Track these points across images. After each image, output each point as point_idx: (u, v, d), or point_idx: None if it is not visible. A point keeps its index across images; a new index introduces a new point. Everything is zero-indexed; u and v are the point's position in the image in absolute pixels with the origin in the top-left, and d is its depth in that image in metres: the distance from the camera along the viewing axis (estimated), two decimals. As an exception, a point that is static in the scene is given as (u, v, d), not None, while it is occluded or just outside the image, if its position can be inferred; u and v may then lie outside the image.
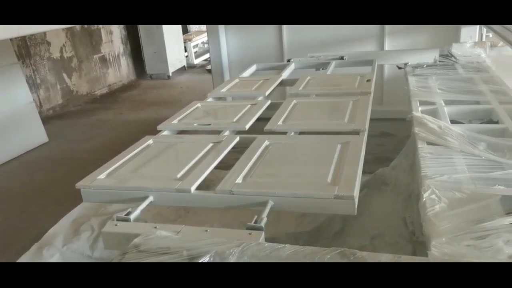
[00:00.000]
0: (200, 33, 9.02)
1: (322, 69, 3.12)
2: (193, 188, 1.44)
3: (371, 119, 2.00)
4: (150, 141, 1.94)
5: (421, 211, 1.42)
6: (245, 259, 1.09)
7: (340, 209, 1.30)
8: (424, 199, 1.44)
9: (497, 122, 2.06)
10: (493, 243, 1.11)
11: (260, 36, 4.59)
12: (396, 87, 3.93)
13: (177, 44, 8.18)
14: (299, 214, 2.60)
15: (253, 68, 3.26)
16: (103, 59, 7.31)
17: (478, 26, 3.92)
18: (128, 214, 1.38)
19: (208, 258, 1.09)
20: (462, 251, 1.12)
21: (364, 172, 1.68)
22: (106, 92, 7.28)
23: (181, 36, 8.42)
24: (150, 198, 1.48)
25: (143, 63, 8.00)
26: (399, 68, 3.14)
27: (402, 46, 4.19)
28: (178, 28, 8.32)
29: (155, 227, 1.30)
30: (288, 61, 3.29)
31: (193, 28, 9.90)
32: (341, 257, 1.09)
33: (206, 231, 1.26)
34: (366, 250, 1.17)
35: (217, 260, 1.08)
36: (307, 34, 4.39)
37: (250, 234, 1.21)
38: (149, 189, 1.49)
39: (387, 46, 4.25)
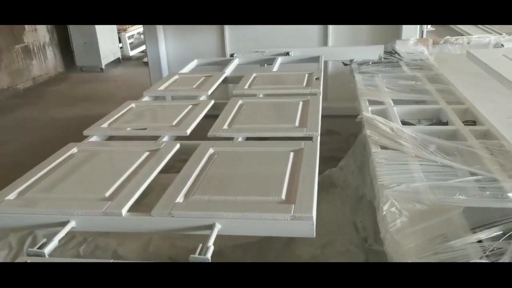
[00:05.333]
0: (135, 23, 8.53)
1: (267, 65, 2.97)
2: (124, 211, 1.21)
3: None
4: (74, 150, 1.67)
5: (381, 226, 1.31)
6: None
7: (298, 232, 1.15)
8: (384, 213, 1.33)
9: (446, 123, 2.02)
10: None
11: (201, 28, 4.35)
12: (340, 83, 3.88)
13: (110, 34, 7.65)
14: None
15: (194, 63, 3.04)
16: (27, 50, 6.65)
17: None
18: (43, 246, 1.13)
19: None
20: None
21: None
22: (31, 85, 6.63)
23: (114, 26, 7.89)
24: (72, 223, 1.23)
25: (73, 54, 7.39)
26: (345, 64, 3.07)
27: (345, 42, 4.15)
28: (111, 17, 7.77)
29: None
30: (232, 56, 3.10)
31: (128, 17, 9.35)
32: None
33: (141, 266, 1.04)
34: (317, 260, 1.06)
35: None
36: (249, 28, 4.22)
37: (194, 268, 1.02)
38: (70, 213, 1.24)
39: (331, 42, 4.19)
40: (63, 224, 1.23)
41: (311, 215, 1.12)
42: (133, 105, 2.15)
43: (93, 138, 1.81)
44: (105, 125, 1.90)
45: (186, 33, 4.40)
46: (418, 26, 3.85)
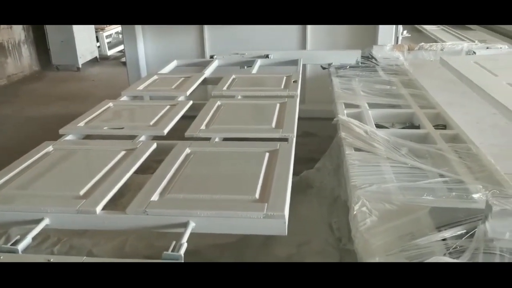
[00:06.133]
0: (115, 23, 8.42)
1: (247, 67, 2.99)
2: (98, 209, 1.22)
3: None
4: (50, 148, 1.66)
5: (352, 225, 1.35)
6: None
7: (270, 229, 1.17)
8: (355, 212, 1.37)
9: (418, 127, 2.09)
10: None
11: (181, 29, 4.35)
12: (318, 86, 3.93)
13: (88, 33, 7.54)
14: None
15: (173, 64, 3.04)
16: (1, 47, 6.50)
17: (394, 28, 4.06)
18: (16, 243, 1.13)
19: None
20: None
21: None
22: (5, 84, 6.47)
23: (92, 25, 7.78)
24: (46, 221, 1.23)
25: (49, 53, 7.25)
26: (323, 68, 3.12)
27: (323, 46, 4.22)
28: (90, 15, 7.65)
29: (49, 260, 1.06)
30: (211, 57, 3.12)
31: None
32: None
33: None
34: (293, 260, 1.07)
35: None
36: (229, 30, 4.24)
37: (168, 265, 1.03)
38: (44, 210, 1.23)
39: (309, 45, 4.25)
40: (37, 221, 1.22)
41: (283, 214, 1.15)
42: (110, 104, 2.14)
43: (69, 137, 1.80)
44: (81, 124, 1.88)
45: (166, 33, 4.39)
46: (394, 33, 3.94)
